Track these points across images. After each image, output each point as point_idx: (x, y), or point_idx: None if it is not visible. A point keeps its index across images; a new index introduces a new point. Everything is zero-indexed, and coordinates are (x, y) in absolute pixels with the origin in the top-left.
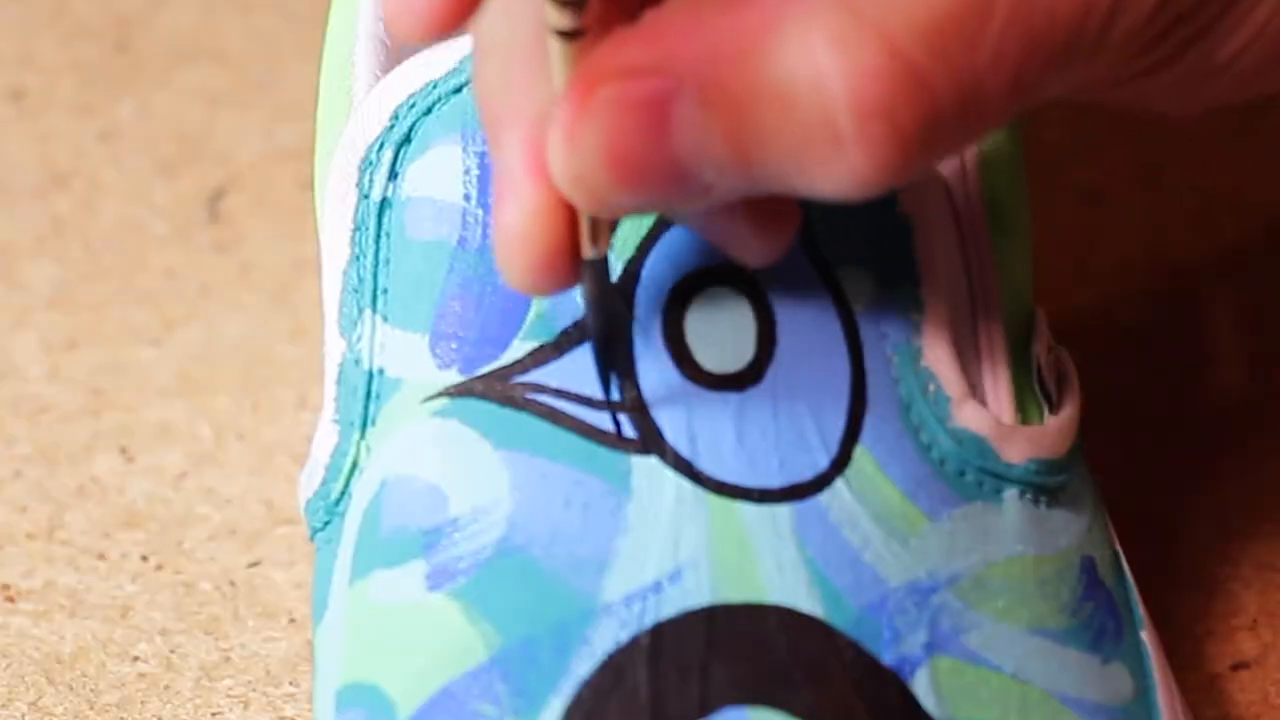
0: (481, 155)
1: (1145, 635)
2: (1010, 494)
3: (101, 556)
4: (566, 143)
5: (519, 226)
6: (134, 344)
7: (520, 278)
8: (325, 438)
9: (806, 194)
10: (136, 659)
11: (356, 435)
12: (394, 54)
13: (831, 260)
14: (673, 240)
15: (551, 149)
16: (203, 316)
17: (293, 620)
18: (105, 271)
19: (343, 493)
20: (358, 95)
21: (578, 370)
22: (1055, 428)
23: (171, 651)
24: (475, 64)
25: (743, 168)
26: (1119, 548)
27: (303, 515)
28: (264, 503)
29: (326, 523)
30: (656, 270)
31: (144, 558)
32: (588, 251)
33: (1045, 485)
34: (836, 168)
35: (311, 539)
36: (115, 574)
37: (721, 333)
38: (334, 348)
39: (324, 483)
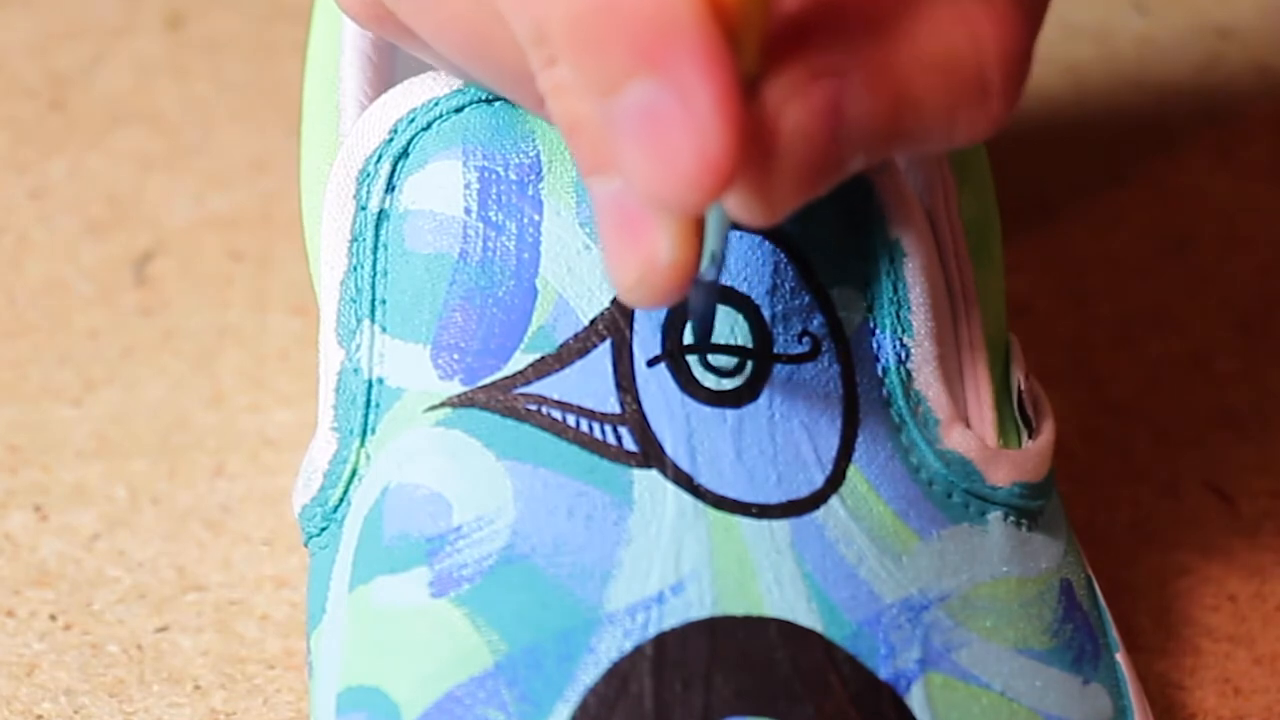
0: (481, 170)
1: (1120, 658)
2: (994, 516)
3: (10, 614)
4: (761, 174)
5: (673, 256)
6: (53, 403)
7: (660, 300)
8: (323, 445)
9: (937, 148)
10: (40, 718)
11: (356, 443)
12: (380, 69)
13: (825, 283)
14: None
15: (744, 184)
16: (123, 379)
17: (198, 687)
18: (28, 329)
19: (341, 499)
20: (346, 109)
21: (579, 382)
22: (1035, 452)
23: (75, 712)
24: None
25: (894, 138)
26: (1091, 573)
27: (297, 521)
28: (175, 568)
29: (323, 529)
30: None
31: (52, 617)
32: (703, 269)
33: (1027, 508)
34: (980, 118)
35: (306, 545)
36: (23, 632)
37: (719, 351)
38: (332, 357)
39: (321, 489)
